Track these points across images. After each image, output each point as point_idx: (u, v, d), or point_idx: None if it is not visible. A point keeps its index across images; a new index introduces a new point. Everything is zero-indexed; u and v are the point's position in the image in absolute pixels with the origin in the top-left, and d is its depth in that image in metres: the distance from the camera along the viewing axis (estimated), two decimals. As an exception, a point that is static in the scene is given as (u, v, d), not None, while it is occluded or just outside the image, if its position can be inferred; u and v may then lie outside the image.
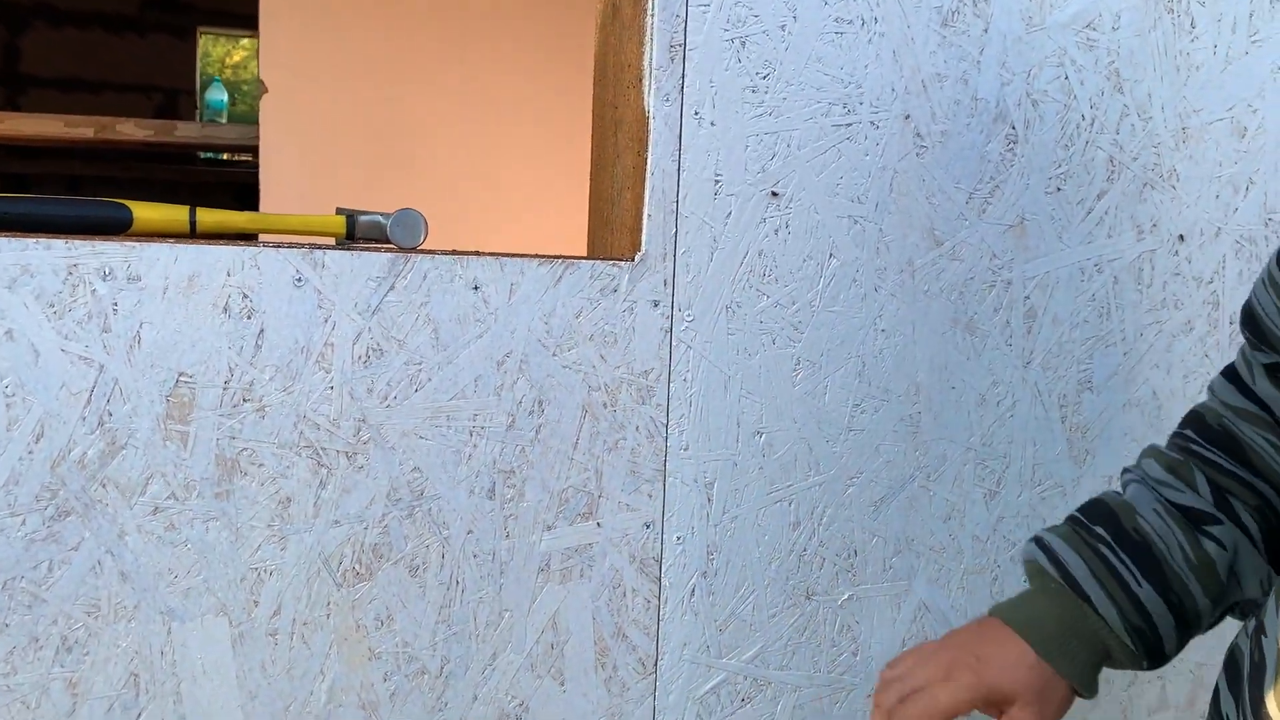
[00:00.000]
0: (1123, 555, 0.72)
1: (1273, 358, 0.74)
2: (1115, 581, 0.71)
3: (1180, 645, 0.73)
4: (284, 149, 2.37)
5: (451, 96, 2.38)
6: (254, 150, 2.54)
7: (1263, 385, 0.75)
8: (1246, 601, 0.74)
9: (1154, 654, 0.71)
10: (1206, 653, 1.10)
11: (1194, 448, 0.77)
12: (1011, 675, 0.71)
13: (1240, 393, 0.77)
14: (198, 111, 4.63)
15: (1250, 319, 0.76)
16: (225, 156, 4.47)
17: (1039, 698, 0.71)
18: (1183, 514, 0.73)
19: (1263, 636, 0.68)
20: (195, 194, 3.93)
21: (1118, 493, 0.77)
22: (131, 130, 2.35)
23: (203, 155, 4.40)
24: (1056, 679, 0.71)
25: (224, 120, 4.64)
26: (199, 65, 4.74)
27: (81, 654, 0.81)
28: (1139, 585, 0.71)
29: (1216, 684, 0.76)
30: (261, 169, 2.35)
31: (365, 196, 2.39)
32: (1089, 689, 0.71)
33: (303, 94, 2.37)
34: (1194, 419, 0.79)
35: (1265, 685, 0.65)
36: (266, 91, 2.35)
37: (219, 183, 4.34)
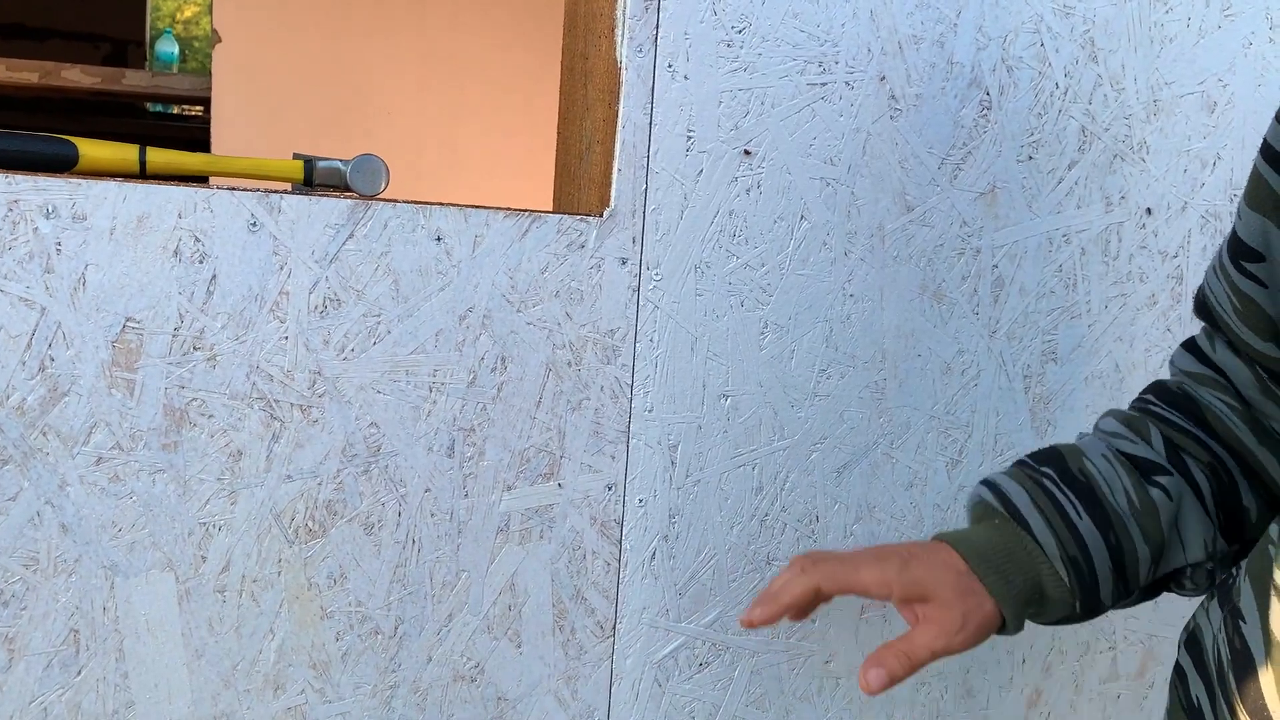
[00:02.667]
0: (1066, 490, 0.73)
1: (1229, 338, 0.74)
2: (1055, 511, 0.72)
3: (1115, 597, 0.73)
4: (237, 99, 2.30)
5: (407, 47, 2.32)
6: (206, 102, 2.47)
7: (1222, 354, 0.75)
8: (1191, 569, 0.74)
9: (1087, 592, 0.71)
10: (1159, 624, 1.11)
11: (1151, 407, 0.77)
12: (937, 575, 0.71)
13: (1199, 360, 0.77)
14: (147, 64, 4.50)
15: (1203, 307, 0.76)
16: (176, 110, 4.36)
17: (959, 601, 0.70)
18: (1131, 462, 0.73)
19: (1241, 622, 0.68)
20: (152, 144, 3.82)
21: (1070, 443, 0.78)
22: (78, 77, 2.27)
23: (152, 108, 4.29)
24: (983, 596, 0.70)
25: (174, 73, 4.52)
26: (149, 18, 4.61)
27: (19, 608, 0.77)
28: (1079, 517, 0.72)
29: (1179, 664, 0.76)
30: (213, 120, 2.28)
31: (319, 149, 2.33)
32: (1014, 619, 0.71)
33: (256, 44, 2.30)
34: (1154, 386, 0.80)
35: (1259, 674, 0.65)
36: (220, 41, 2.29)
37: (169, 137, 4.23)
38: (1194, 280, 1.08)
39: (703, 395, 0.93)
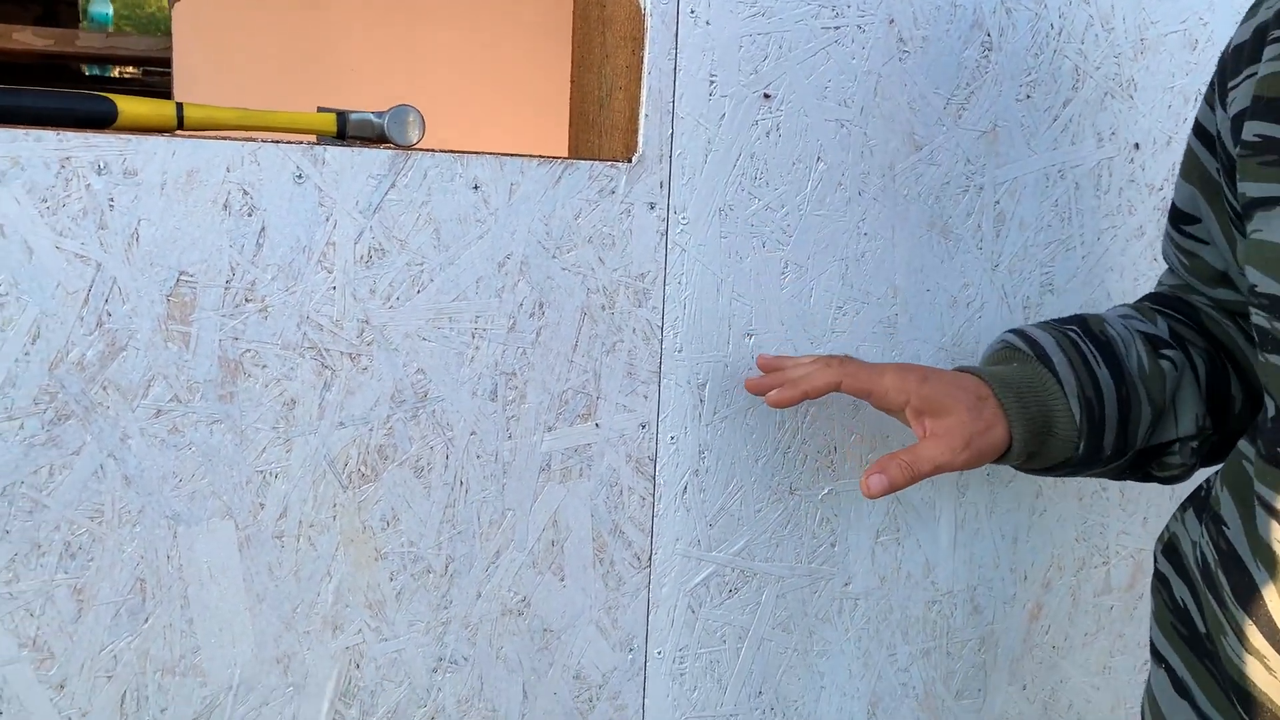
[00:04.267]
0: (1088, 342, 0.79)
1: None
2: (1078, 356, 0.78)
3: (1113, 450, 0.79)
4: (197, 59, 2.26)
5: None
6: (157, 62, 2.42)
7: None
8: (1179, 444, 0.80)
9: (1094, 434, 0.77)
10: (1148, 539, 1.18)
11: (1153, 306, 0.84)
12: (954, 394, 0.76)
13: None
14: (80, 25, 4.36)
15: (1169, 269, 0.84)
16: (115, 73, 4.24)
17: (970, 422, 0.75)
18: (1143, 335, 0.80)
19: (1224, 528, 0.73)
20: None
21: (1092, 311, 0.84)
22: (30, 39, 2.21)
23: (88, 71, 4.17)
24: (994, 421, 0.76)
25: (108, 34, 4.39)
26: (80, -24, 4.46)
27: (86, 560, 0.79)
28: (1098, 365, 0.78)
29: (1159, 571, 0.82)
30: (175, 80, 2.24)
31: (285, 105, 2.30)
32: (1021, 445, 0.77)
33: (215, 3, 2.26)
34: (1152, 294, 0.87)
35: (1251, 576, 0.70)
36: (179, 0, 2.24)
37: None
38: (1177, 212, 1.13)
39: (728, 335, 0.96)
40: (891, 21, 0.97)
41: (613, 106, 0.95)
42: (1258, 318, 0.70)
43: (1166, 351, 0.80)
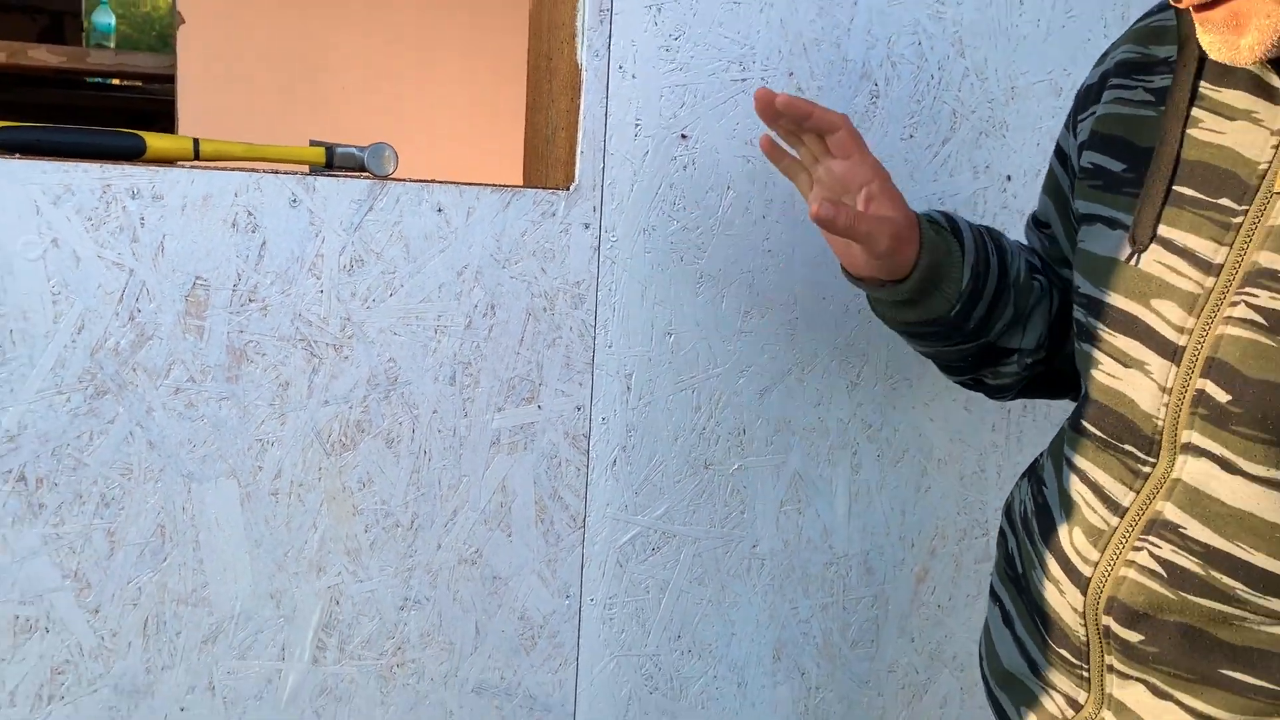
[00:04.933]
0: (990, 241, 0.97)
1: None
2: (981, 245, 0.95)
3: (975, 326, 0.96)
4: (201, 78, 2.45)
5: (365, 28, 2.49)
6: (161, 78, 2.60)
7: None
8: (1018, 354, 0.99)
9: (969, 301, 0.94)
10: (1020, 513, 1.37)
11: (1034, 249, 1.04)
12: (902, 205, 0.92)
13: None
14: (84, 34, 4.55)
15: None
16: (115, 82, 4.42)
17: (903, 227, 0.90)
18: (1025, 259, 0.99)
19: (1044, 487, 0.93)
20: (85, 118, 3.89)
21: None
22: (44, 56, 2.40)
23: (90, 79, 4.35)
24: (914, 243, 0.92)
25: (111, 44, 4.58)
26: (84, -12, 4.64)
27: (118, 509, 0.98)
28: (991, 257, 0.95)
29: (1001, 528, 1.01)
30: (179, 97, 2.43)
31: (281, 124, 2.50)
32: (919, 278, 0.92)
33: (219, 25, 2.45)
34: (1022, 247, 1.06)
35: (1054, 520, 0.89)
36: (184, 23, 2.43)
37: (107, 108, 4.31)
38: (1046, 234, 1.32)
39: (651, 333, 1.15)
40: (791, 74, 1.16)
41: (556, 143, 1.15)
42: (1076, 312, 0.89)
43: (1037, 276, 0.99)
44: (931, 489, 1.33)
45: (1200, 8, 0.73)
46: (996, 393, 1.05)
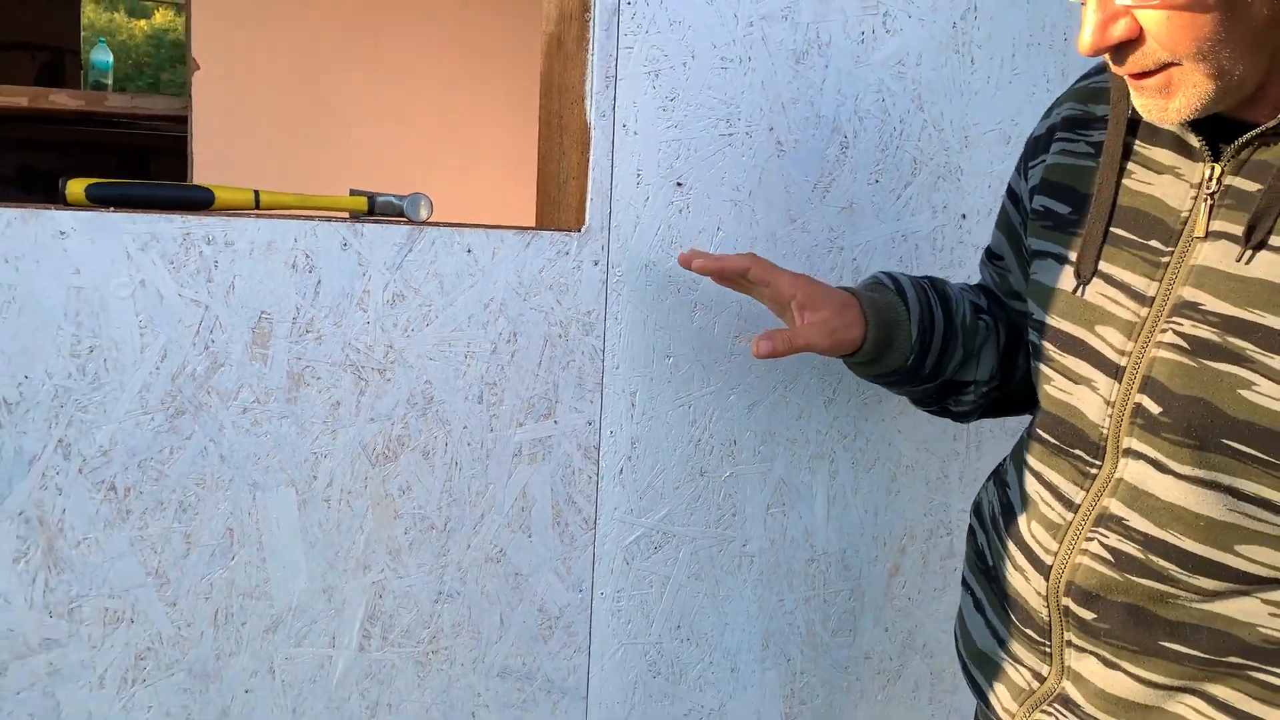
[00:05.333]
0: (933, 293, 1.12)
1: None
2: (924, 299, 1.10)
3: (931, 374, 1.11)
4: (214, 122, 2.60)
5: (372, 75, 2.65)
6: (178, 120, 2.75)
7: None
8: (974, 385, 1.14)
9: (922, 354, 1.09)
10: (981, 514, 1.53)
11: (979, 288, 1.20)
12: (831, 299, 1.08)
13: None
14: (83, 70, 4.68)
15: (980, 282, 1.20)
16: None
17: (837, 319, 1.06)
18: (970, 301, 1.14)
19: (1006, 489, 1.08)
20: (99, 151, 4.00)
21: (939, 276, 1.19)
22: (65, 100, 2.54)
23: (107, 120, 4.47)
24: (855, 324, 1.07)
25: (109, 80, 4.72)
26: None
27: (194, 514, 1.12)
28: (936, 309, 1.10)
29: (970, 525, 1.16)
30: (194, 140, 2.58)
31: (292, 167, 2.66)
32: (871, 346, 1.07)
33: (232, 73, 2.61)
34: (977, 285, 1.21)
35: (1017, 517, 1.04)
36: (198, 69, 2.58)
37: (103, 143, 4.44)
38: (998, 265, 1.49)
39: (652, 356, 1.31)
40: (771, 129, 1.33)
41: (568, 190, 1.30)
42: (1031, 336, 1.05)
43: (983, 316, 1.15)
44: (901, 493, 1.49)
45: (1137, 75, 0.86)
46: (960, 418, 1.20)
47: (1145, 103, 0.88)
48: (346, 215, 1.27)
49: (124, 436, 1.09)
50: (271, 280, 1.12)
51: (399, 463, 1.20)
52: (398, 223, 1.19)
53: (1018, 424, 1.52)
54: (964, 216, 1.46)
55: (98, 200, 1.10)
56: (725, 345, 1.34)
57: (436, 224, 1.20)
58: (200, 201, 1.14)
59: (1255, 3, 0.79)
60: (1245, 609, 0.87)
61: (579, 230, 1.25)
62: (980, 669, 1.08)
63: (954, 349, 1.12)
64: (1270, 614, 0.86)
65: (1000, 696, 1.04)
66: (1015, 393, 1.18)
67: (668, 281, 1.30)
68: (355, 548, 1.20)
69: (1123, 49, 0.83)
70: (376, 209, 1.25)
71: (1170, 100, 0.85)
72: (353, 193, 1.27)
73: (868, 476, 1.46)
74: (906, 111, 1.40)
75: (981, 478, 1.53)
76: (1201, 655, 0.89)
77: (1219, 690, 0.89)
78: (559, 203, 1.33)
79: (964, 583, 1.16)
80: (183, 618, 1.14)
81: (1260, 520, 0.85)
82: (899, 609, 1.51)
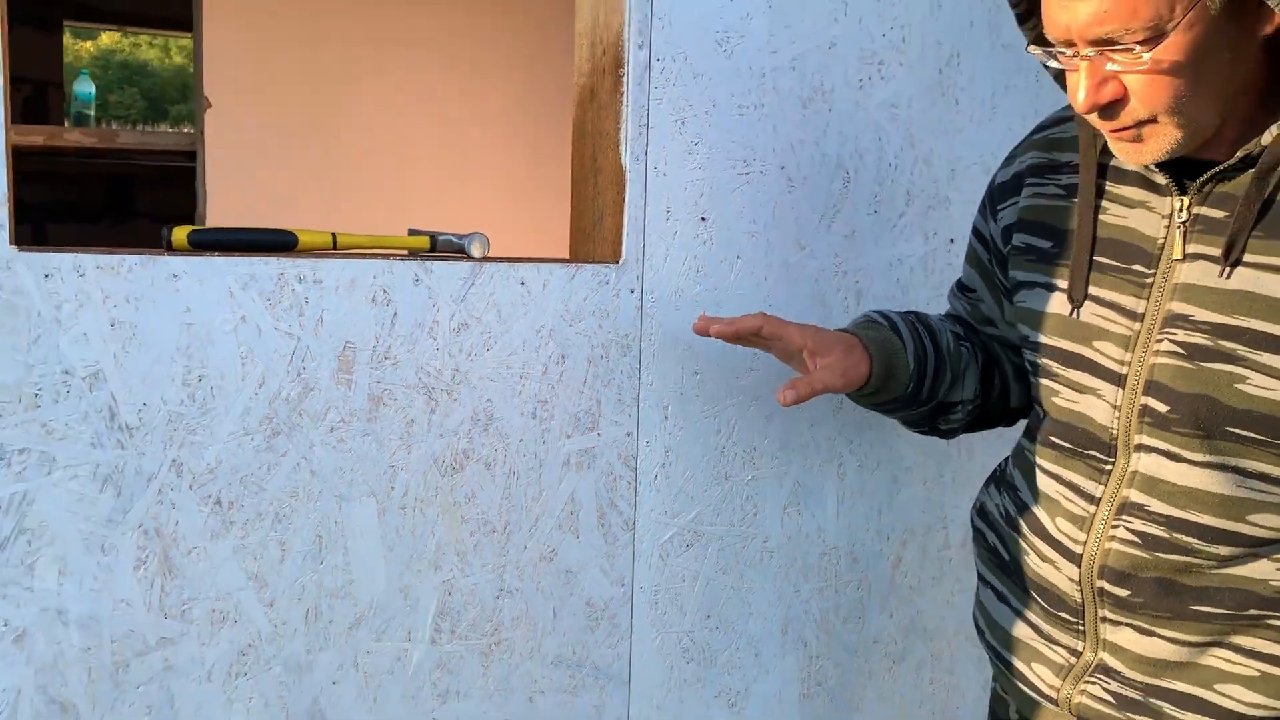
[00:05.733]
0: (920, 326, 1.26)
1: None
2: (914, 333, 1.25)
3: (926, 398, 1.25)
4: (225, 157, 2.73)
5: (377, 112, 2.78)
6: (187, 155, 2.87)
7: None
8: (960, 404, 1.28)
9: (919, 381, 1.24)
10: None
11: (954, 317, 1.34)
12: (836, 341, 1.22)
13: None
14: (65, 102, 4.76)
15: (950, 311, 1.36)
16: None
17: (847, 359, 1.20)
18: (950, 330, 1.29)
19: (1016, 492, 1.21)
20: (110, 183, 4.07)
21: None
22: (78, 138, 2.66)
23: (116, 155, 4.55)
24: (861, 361, 1.21)
25: (91, 111, 4.81)
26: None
27: (288, 524, 1.26)
28: (926, 341, 1.25)
29: (975, 527, 1.28)
30: (207, 174, 2.70)
31: (300, 195, 2.78)
32: (877, 379, 1.21)
33: (240, 111, 2.73)
34: (950, 314, 1.36)
35: (1038, 516, 1.15)
36: (210, 106, 2.71)
37: (89, 174, 4.52)
38: (982, 284, 1.66)
39: (682, 373, 1.46)
40: (782, 168, 1.49)
41: (604, 226, 1.45)
42: (1028, 354, 1.19)
43: (963, 342, 1.30)
44: (901, 492, 1.65)
45: (1116, 130, 0.99)
46: (947, 434, 1.35)
47: (1122, 148, 1.01)
48: (405, 252, 1.41)
49: (228, 455, 1.22)
50: (354, 313, 1.26)
51: (465, 473, 1.34)
52: (460, 259, 1.33)
53: (997, 432, 1.69)
54: (952, 241, 1.63)
55: (198, 245, 1.24)
56: (745, 363, 1.50)
57: (494, 259, 1.34)
58: (286, 244, 1.28)
59: (1218, 62, 0.95)
60: (1258, 569, 1.02)
61: (617, 262, 1.40)
62: (1015, 654, 1.19)
63: (944, 374, 1.27)
64: (1278, 569, 1.02)
65: (1041, 674, 1.15)
66: (993, 409, 1.33)
67: (695, 306, 1.45)
68: (427, 550, 1.34)
69: (1110, 107, 0.97)
70: (438, 246, 1.39)
71: (1145, 146, 0.99)
72: (413, 232, 1.42)
73: (872, 478, 1.62)
74: (900, 149, 1.57)
75: (971, 478, 1.70)
76: (1226, 612, 1.02)
77: (1243, 640, 1.03)
78: (594, 237, 1.48)
79: (981, 579, 1.28)
80: (279, 616, 1.27)
81: (1264, 492, 1.00)
82: (902, 597, 1.67)
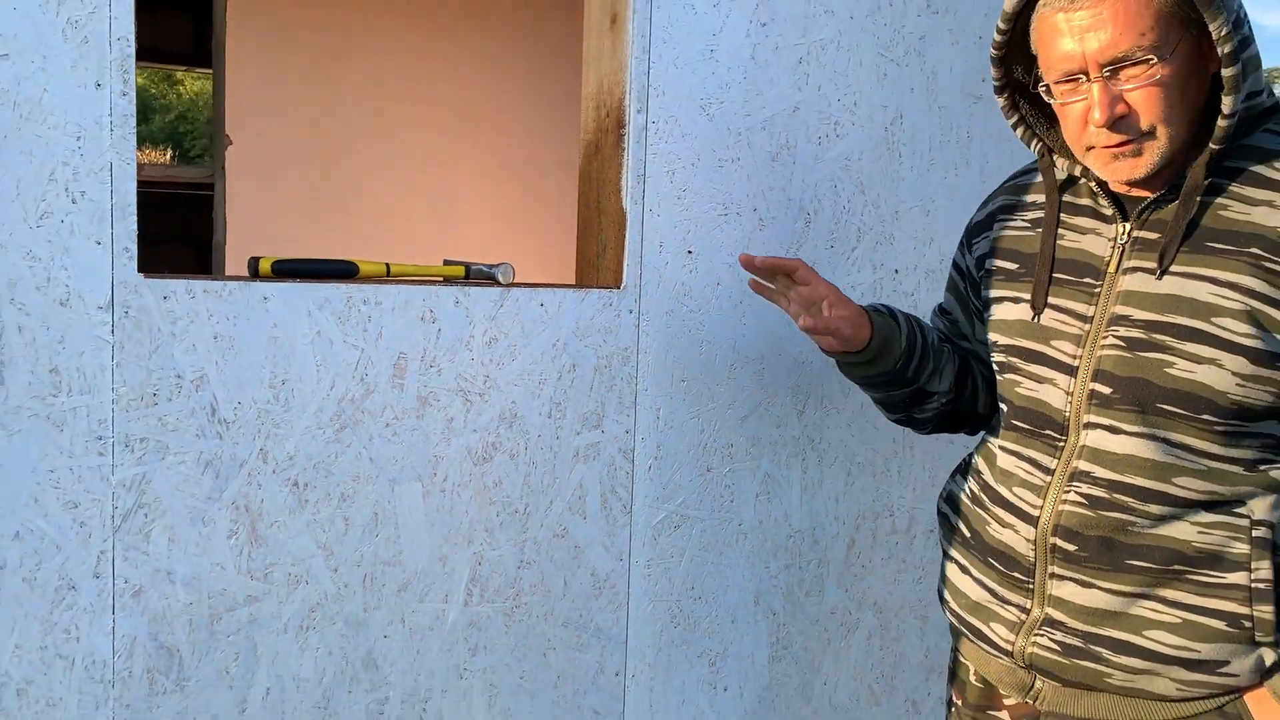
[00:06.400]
0: (914, 319, 1.49)
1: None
2: (909, 324, 1.47)
3: (914, 375, 1.46)
4: (243, 192, 2.99)
5: (381, 153, 3.06)
6: (207, 185, 3.12)
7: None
8: (936, 396, 1.48)
9: (907, 360, 1.45)
10: (915, 501, 1.99)
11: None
12: (851, 304, 1.44)
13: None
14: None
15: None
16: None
17: (856, 318, 1.43)
18: (938, 331, 1.53)
19: (979, 474, 1.41)
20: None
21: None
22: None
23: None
24: (866, 327, 1.43)
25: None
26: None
27: (351, 502, 1.52)
28: (917, 329, 1.48)
29: (942, 512, 1.47)
30: (228, 206, 2.95)
31: (312, 229, 3.05)
32: (874, 348, 1.42)
33: (261, 148, 2.99)
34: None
35: (998, 489, 1.38)
36: (231, 144, 2.97)
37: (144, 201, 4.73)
38: (925, 309, 1.96)
39: (672, 381, 1.75)
40: (755, 210, 1.79)
41: (606, 258, 1.74)
42: (996, 355, 1.41)
43: (946, 343, 1.54)
44: (854, 484, 1.94)
45: (1120, 144, 1.18)
46: (919, 425, 1.58)
47: (1117, 166, 1.21)
48: (441, 279, 1.69)
49: (304, 446, 1.49)
50: (407, 329, 1.54)
51: (493, 463, 1.62)
52: (490, 285, 1.61)
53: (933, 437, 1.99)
54: (896, 271, 1.93)
55: (279, 272, 1.51)
56: (724, 371, 1.79)
57: (519, 285, 1.62)
58: (349, 271, 1.55)
59: (1190, 86, 1.18)
60: (1181, 530, 1.22)
61: (619, 288, 1.69)
62: (975, 615, 1.37)
63: (928, 362, 1.50)
64: (1198, 532, 1.22)
65: (997, 631, 1.34)
66: (964, 408, 1.56)
67: (682, 325, 1.74)
68: (462, 527, 1.61)
69: (1120, 121, 1.18)
70: (471, 274, 1.67)
71: (1140, 160, 1.20)
72: (448, 262, 1.69)
73: (830, 471, 1.91)
74: (852, 195, 1.87)
75: (913, 472, 2.00)
76: (1155, 567, 1.22)
77: (1167, 592, 1.23)
78: (599, 266, 1.77)
79: (945, 556, 1.49)
80: (341, 580, 1.53)
81: (1186, 459, 1.21)
82: (855, 574, 1.96)
